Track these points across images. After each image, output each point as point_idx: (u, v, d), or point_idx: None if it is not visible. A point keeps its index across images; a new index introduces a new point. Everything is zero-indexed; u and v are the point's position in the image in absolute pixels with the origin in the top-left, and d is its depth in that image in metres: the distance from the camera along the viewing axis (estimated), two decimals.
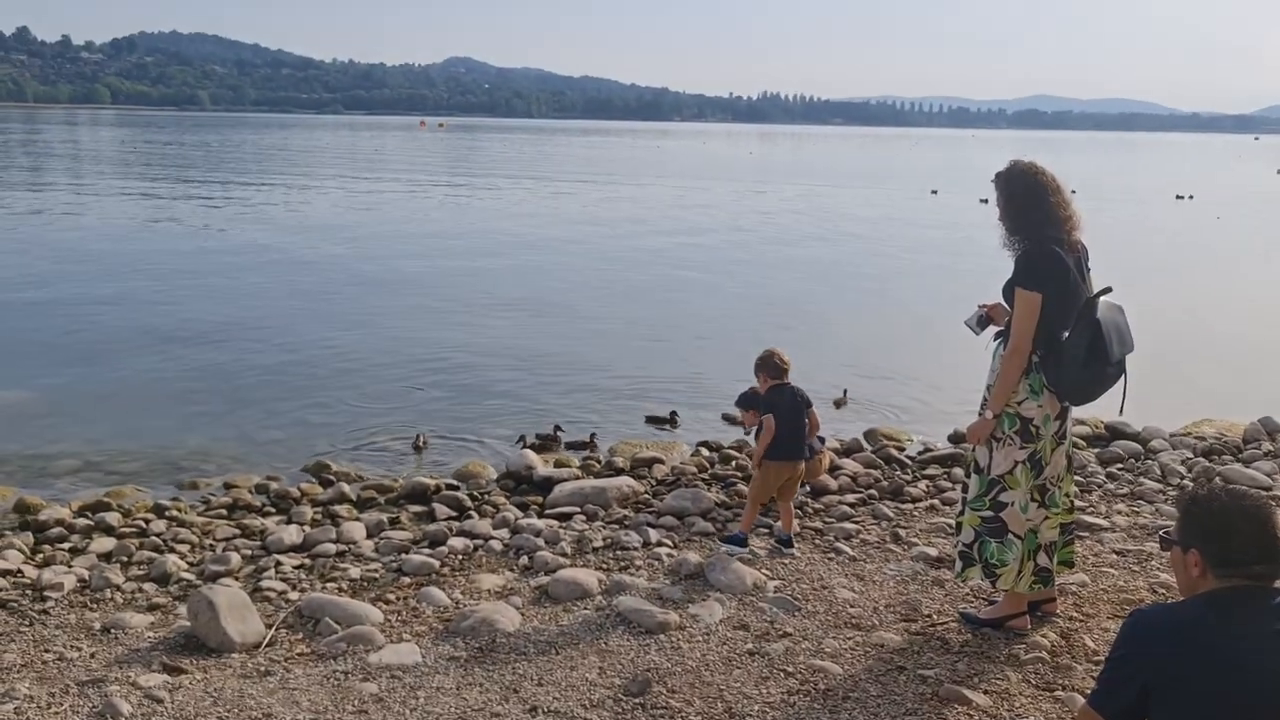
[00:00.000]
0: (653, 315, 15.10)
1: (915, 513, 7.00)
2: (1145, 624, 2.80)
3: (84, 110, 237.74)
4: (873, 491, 7.38)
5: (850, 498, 7.19)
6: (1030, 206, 4.73)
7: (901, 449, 8.64)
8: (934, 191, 42.61)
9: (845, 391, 10.48)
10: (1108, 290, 4.71)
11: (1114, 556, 6.14)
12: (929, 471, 7.94)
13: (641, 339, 13.41)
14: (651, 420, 9.67)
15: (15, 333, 12.55)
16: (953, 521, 5.35)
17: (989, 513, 4.88)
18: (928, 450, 8.58)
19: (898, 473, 7.86)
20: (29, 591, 5.57)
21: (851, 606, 5.41)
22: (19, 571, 5.85)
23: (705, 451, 8.59)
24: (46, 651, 4.85)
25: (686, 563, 5.96)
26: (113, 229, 23.18)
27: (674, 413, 9.71)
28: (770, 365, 6.25)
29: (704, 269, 19.84)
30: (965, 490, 5.08)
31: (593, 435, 9.01)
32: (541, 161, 64.47)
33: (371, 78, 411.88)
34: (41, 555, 6.18)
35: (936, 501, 7.21)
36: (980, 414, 4.92)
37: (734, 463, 8.18)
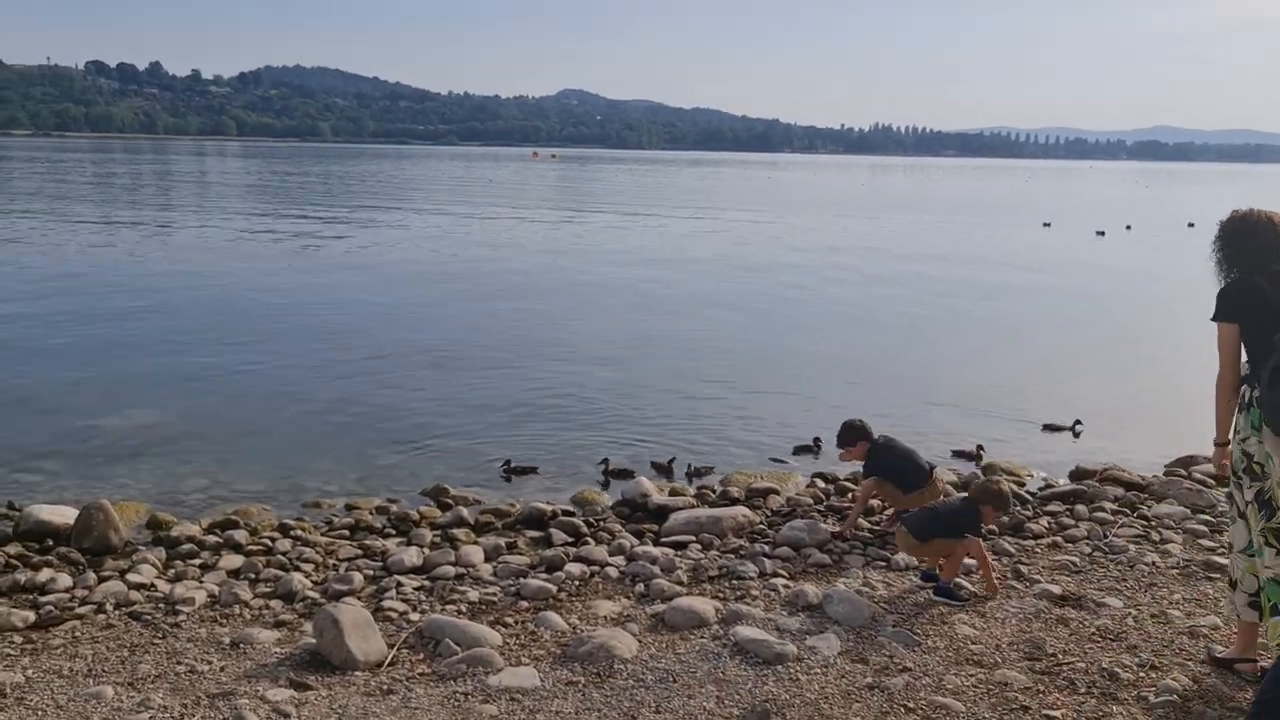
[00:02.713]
0: (780, 346, 15.01)
1: (1037, 549, 6.78)
2: None
3: (211, 142, 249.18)
4: (992, 527, 7.16)
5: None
6: (1240, 247, 4.76)
7: (1022, 484, 8.39)
8: (1047, 224, 41.47)
9: (979, 447, 9.71)
10: None
11: None
12: (1051, 508, 7.69)
13: (764, 368, 13.33)
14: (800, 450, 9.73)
15: (146, 356, 13.12)
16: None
17: None
18: (1049, 487, 8.31)
19: (1018, 509, 7.62)
20: (162, 605, 5.79)
21: (973, 643, 5.25)
22: (152, 586, 6.09)
23: (820, 483, 8.48)
24: (179, 664, 5.03)
25: (803, 594, 5.88)
26: (240, 257, 24.16)
27: (816, 438, 9.76)
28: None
29: (800, 305, 19.67)
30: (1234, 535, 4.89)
31: (671, 460, 9.10)
32: (660, 192, 64.94)
33: (486, 110, 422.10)
34: (173, 570, 6.41)
35: (1059, 539, 6.97)
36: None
37: (850, 495, 8.05)
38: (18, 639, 5.29)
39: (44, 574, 6.11)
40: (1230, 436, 4.77)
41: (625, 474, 8.74)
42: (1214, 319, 4.75)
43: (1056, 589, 5.94)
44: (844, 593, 5.83)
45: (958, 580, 5.92)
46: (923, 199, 62.84)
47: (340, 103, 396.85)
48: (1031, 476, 8.80)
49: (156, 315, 15.98)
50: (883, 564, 6.50)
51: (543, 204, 49.38)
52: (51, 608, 5.63)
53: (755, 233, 34.69)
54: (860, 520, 7.23)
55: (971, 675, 4.89)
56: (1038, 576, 6.21)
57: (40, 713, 4.47)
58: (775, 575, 6.29)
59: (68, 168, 77.86)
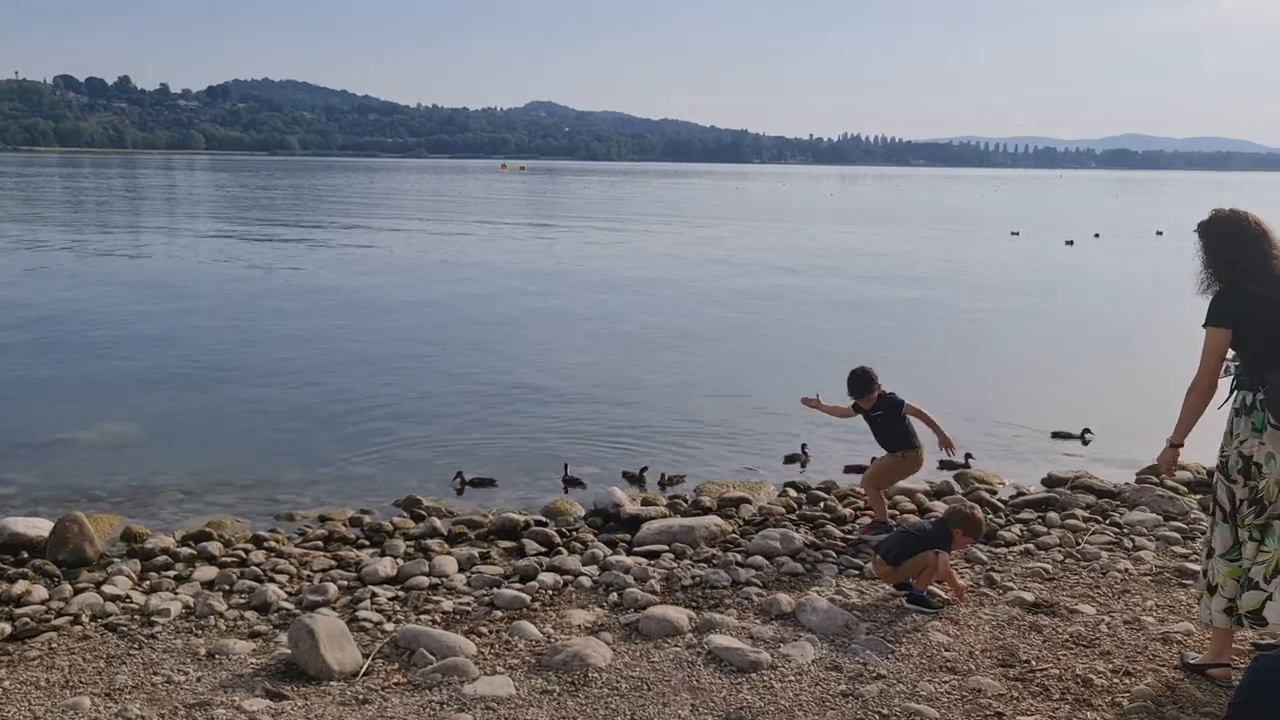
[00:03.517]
0: (740, 356, 15.10)
1: (1010, 557, 6.87)
2: (1270, 670, 2.73)
3: (180, 155, 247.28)
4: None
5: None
6: (1230, 252, 4.76)
7: (994, 492, 8.50)
8: (1015, 233, 41.91)
9: (968, 456, 9.77)
10: None
11: None
12: (1023, 515, 7.80)
13: (729, 378, 13.41)
14: (790, 460, 9.84)
15: (118, 367, 13.06)
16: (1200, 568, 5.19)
17: None
18: (1021, 494, 8.42)
19: (990, 516, 7.73)
20: (137, 616, 5.77)
21: (946, 650, 5.33)
22: (128, 597, 6.06)
23: (793, 492, 8.55)
24: (155, 674, 5.02)
25: (777, 602, 5.94)
26: (209, 269, 24.03)
27: (803, 445, 9.92)
28: None
29: (779, 312, 19.80)
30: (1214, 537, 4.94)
31: (643, 469, 9.17)
32: (628, 203, 65.07)
33: (455, 122, 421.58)
34: (148, 582, 6.39)
35: (1031, 546, 7.07)
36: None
37: (822, 504, 8.13)
38: None
39: (19, 586, 6.06)
40: (1230, 440, 4.79)
41: (486, 482, 8.89)
42: (1207, 324, 4.75)
43: (1029, 596, 6.03)
44: (817, 601, 5.89)
45: (931, 588, 5.99)
46: (892, 209, 63.32)
47: (308, 116, 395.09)
48: (1004, 484, 8.91)
49: (127, 329, 15.87)
50: (856, 572, 6.57)
51: (513, 216, 49.36)
52: (27, 620, 5.59)
53: (727, 244, 34.84)
54: (834, 529, 7.34)
55: (945, 682, 4.96)
56: (1010, 584, 6.30)
57: None
58: (749, 584, 6.34)
59: (38, 183, 77.03)
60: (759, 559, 6.76)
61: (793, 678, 5.03)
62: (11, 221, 36.68)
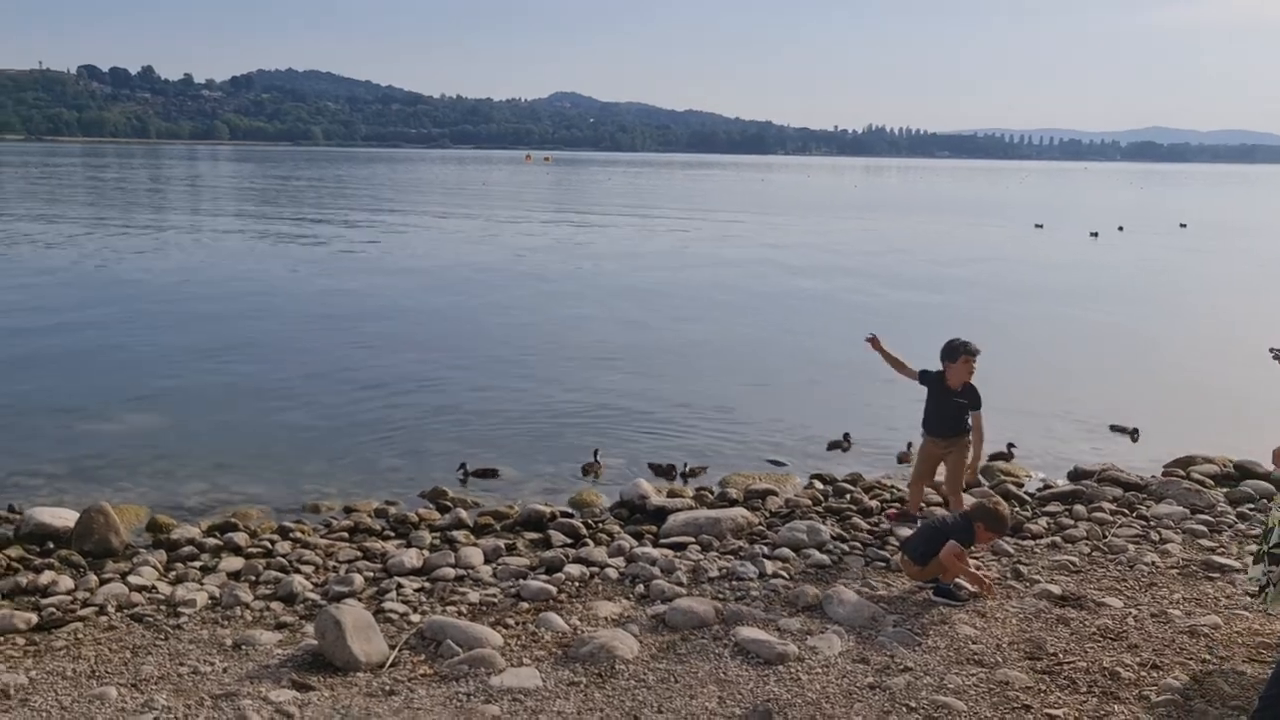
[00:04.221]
0: (760, 348, 15.05)
1: (1036, 549, 6.81)
2: None
3: (203, 145, 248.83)
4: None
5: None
6: None
7: (1020, 485, 8.42)
8: (1039, 225, 41.53)
9: (1010, 446, 9.71)
10: None
11: (1247, 599, 5.87)
12: (1049, 509, 7.72)
13: (758, 371, 13.36)
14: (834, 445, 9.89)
15: (141, 359, 13.12)
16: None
17: None
18: (1047, 487, 8.34)
19: (1016, 509, 7.65)
20: (163, 607, 5.79)
21: (973, 643, 5.28)
22: (153, 588, 6.09)
23: (819, 485, 8.50)
24: (182, 665, 5.03)
25: (803, 595, 5.90)
26: (231, 260, 24.15)
27: (846, 434, 10.00)
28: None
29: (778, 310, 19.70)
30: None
31: (669, 462, 9.11)
32: (653, 194, 64.96)
33: (479, 113, 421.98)
34: (174, 573, 6.41)
35: (1058, 539, 6.99)
36: None
37: (848, 496, 8.07)
38: (20, 641, 5.28)
39: (45, 576, 6.10)
40: None
41: (489, 473, 8.87)
42: None
43: (1056, 589, 5.98)
44: (845, 593, 5.85)
45: (957, 581, 5.94)
46: (916, 201, 62.93)
47: (332, 106, 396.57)
48: (1030, 477, 8.83)
49: (151, 321, 15.96)
50: (882, 564, 6.52)
51: (539, 207, 49.36)
52: (54, 610, 5.63)
53: (753, 236, 34.72)
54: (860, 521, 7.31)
55: (973, 675, 4.91)
56: (1037, 576, 6.24)
57: (45, 714, 4.48)
58: (775, 576, 6.30)
59: (62, 173, 77.71)
60: (786, 551, 6.72)
61: (820, 670, 5.00)
62: (37, 213, 37.01)
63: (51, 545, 6.72)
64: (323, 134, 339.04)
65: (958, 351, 6.97)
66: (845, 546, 6.87)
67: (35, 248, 25.47)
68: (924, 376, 7.20)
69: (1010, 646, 5.24)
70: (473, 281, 21.46)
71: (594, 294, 20.03)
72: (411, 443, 9.72)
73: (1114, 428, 10.57)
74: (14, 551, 6.58)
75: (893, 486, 8.34)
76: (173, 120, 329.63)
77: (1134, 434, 10.40)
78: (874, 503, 7.86)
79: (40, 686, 4.74)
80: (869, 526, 7.30)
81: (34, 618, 5.52)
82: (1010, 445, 9.45)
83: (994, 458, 9.11)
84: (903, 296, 20.32)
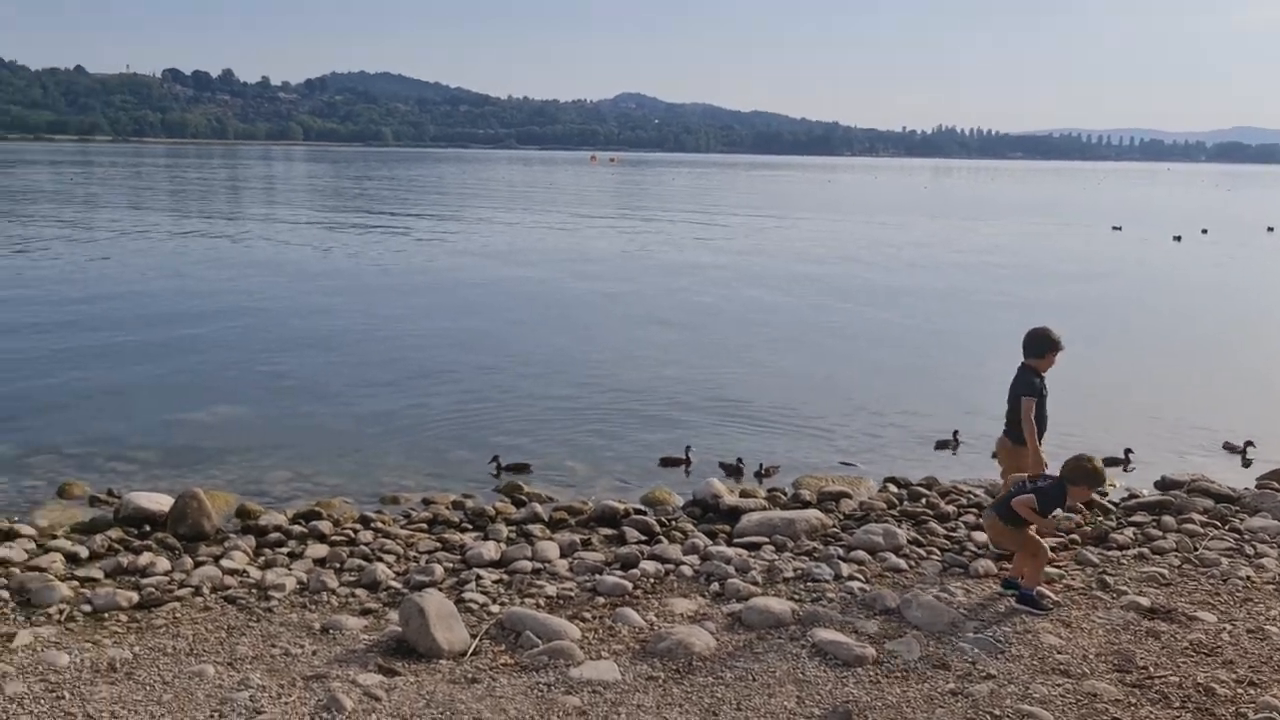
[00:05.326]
0: (836, 352, 14.96)
1: (1123, 560, 6.68)
2: None
3: (278, 146, 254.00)
4: (1075, 536, 7.09)
5: (1050, 541, 6.90)
6: None
7: (1104, 494, 8.26)
8: (1117, 228, 40.55)
9: (1128, 451, 9.59)
10: None
11: None
12: (1136, 519, 7.56)
13: (828, 373, 13.30)
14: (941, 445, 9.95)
15: (230, 354, 13.49)
16: None
17: None
18: (1133, 497, 8.18)
19: (1101, 518, 7.52)
20: (254, 590, 5.97)
21: (1059, 653, 5.21)
22: (244, 572, 6.28)
23: (893, 488, 8.44)
24: (274, 646, 5.18)
25: (881, 598, 5.88)
26: (311, 258, 24.64)
27: (955, 432, 10.02)
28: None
29: (848, 306, 19.54)
30: None
31: (739, 460, 9.14)
32: (721, 195, 64.86)
33: (545, 114, 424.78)
34: (263, 558, 6.60)
35: (1146, 550, 6.85)
36: None
37: (924, 500, 8.01)
38: (123, 618, 5.51)
39: (144, 558, 6.33)
40: None
41: (522, 468, 8.92)
42: None
43: (1145, 601, 5.86)
44: (923, 597, 5.81)
45: (1040, 589, 5.86)
46: (988, 202, 61.89)
47: (402, 108, 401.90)
48: (1114, 486, 8.66)
49: (240, 316, 16.37)
50: (960, 570, 6.47)
51: (607, 208, 49.55)
52: (153, 590, 5.84)
53: (831, 236, 34.50)
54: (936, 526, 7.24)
55: (1059, 685, 4.85)
56: (1124, 588, 6.13)
57: (149, 688, 4.65)
58: (851, 579, 6.28)
59: (150, 173, 79.95)
60: (861, 554, 6.70)
61: (899, 674, 4.98)
62: (124, 209, 38.16)
63: (148, 528, 6.97)
64: (393, 135, 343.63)
65: (1059, 345, 6.62)
66: (922, 551, 6.82)
67: (128, 246, 26.26)
68: (1037, 387, 6.59)
69: (1098, 658, 5.16)
70: (548, 279, 21.62)
71: (667, 291, 20.06)
72: (484, 437, 9.84)
73: (1228, 446, 10.03)
74: (114, 533, 6.85)
75: (969, 491, 8.25)
76: (250, 122, 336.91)
77: (1244, 453, 9.75)
78: (950, 507, 7.79)
79: (143, 661, 4.92)
80: (945, 531, 7.24)
81: (135, 596, 5.74)
82: (1128, 451, 9.35)
83: (1106, 463, 9.00)
84: (995, 292, 20.05)
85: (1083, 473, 5.75)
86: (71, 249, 24.65)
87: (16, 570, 6.14)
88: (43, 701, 4.50)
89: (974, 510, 7.71)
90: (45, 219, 32.72)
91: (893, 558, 6.63)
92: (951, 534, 7.18)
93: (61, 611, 5.56)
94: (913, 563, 6.60)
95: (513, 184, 74.36)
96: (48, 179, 60.85)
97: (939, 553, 6.80)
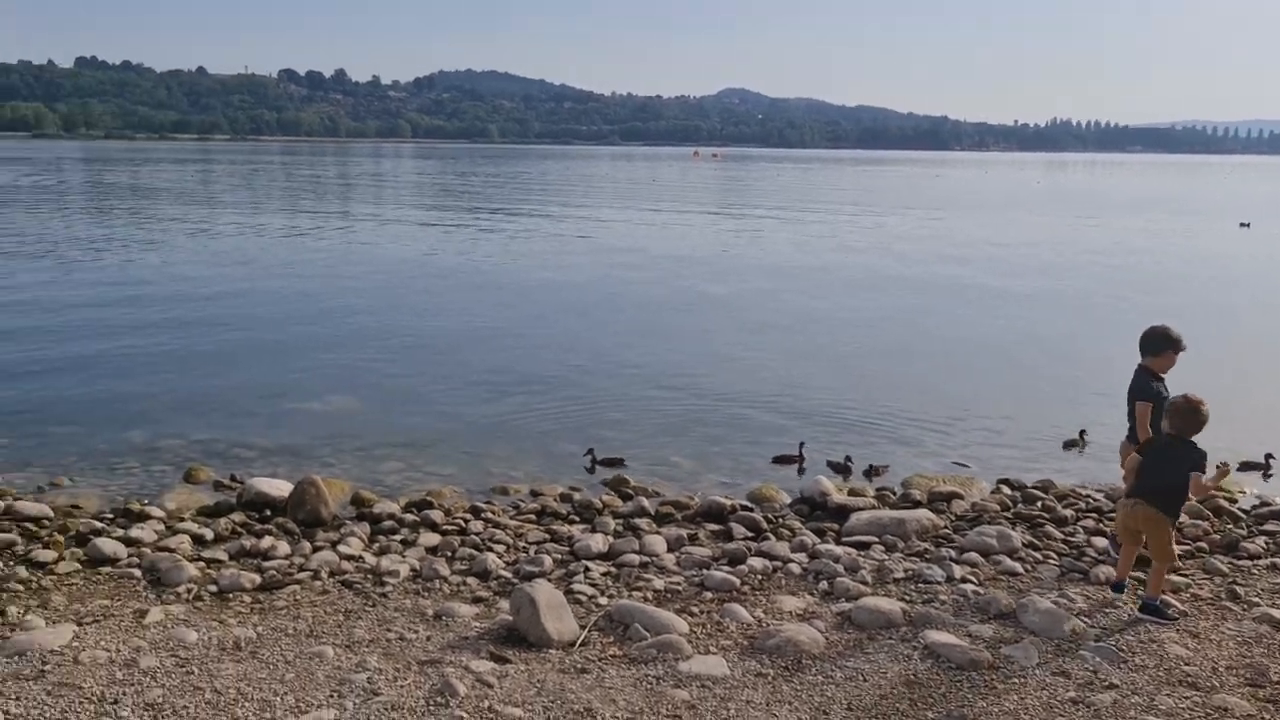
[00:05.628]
0: (960, 347, 14.66)
1: (1254, 570, 6.38)
2: None
3: (387, 143, 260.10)
4: (1202, 544, 6.81)
5: (1176, 549, 6.63)
6: None
7: (1233, 501, 7.91)
8: (1245, 224, 38.60)
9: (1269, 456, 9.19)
10: None
11: None
12: (1268, 527, 7.22)
13: (946, 370, 13.04)
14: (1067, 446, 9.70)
15: (342, 344, 13.89)
16: None
17: None
18: (1264, 504, 7.81)
19: (1230, 527, 7.21)
20: (370, 576, 6.13)
21: (1186, 665, 5.01)
22: (360, 558, 6.46)
23: (1007, 490, 8.22)
24: (389, 631, 5.31)
25: (995, 601, 5.73)
26: (430, 254, 25.17)
27: (1082, 432, 9.76)
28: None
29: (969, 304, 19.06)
30: None
31: (847, 458, 9.00)
32: (827, 190, 64.14)
33: (648, 110, 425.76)
34: (378, 545, 6.77)
35: (1278, 560, 6.53)
36: None
37: (1039, 503, 7.78)
38: (247, 599, 5.72)
39: (266, 541, 6.57)
40: None
41: (616, 462, 8.91)
42: None
43: (1279, 613, 5.59)
44: (1040, 602, 5.65)
45: (1165, 598, 5.64)
46: (1104, 198, 59.75)
47: (507, 105, 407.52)
48: (1243, 493, 8.27)
49: (353, 314, 16.80)
50: (1079, 576, 6.27)
51: (709, 205, 49.43)
52: (274, 573, 6.05)
53: (938, 234, 33.81)
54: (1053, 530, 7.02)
55: (1186, 698, 4.66)
56: (1256, 599, 5.86)
57: (272, 666, 4.82)
58: (964, 581, 6.15)
59: (267, 170, 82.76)
60: (974, 556, 6.56)
61: (1017, 680, 4.85)
62: (241, 208, 39.61)
63: (268, 513, 7.22)
64: (498, 132, 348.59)
65: (1179, 344, 6.32)
66: (1038, 555, 6.64)
67: (241, 239, 27.25)
68: (1156, 389, 6.29)
69: (1228, 671, 4.94)
70: (649, 280, 21.67)
71: (767, 293, 19.92)
72: (591, 431, 9.91)
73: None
74: (237, 517, 7.12)
75: (1088, 495, 7.98)
76: (361, 120, 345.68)
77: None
78: (1068, 511, 7.55)
79: (266, 641, 5.10)
80: (1063, 536, 7.03)
81: (257, 578, 5.96)
82: (1269, 456, 9.01)
83: (1245, 467, 8.84)
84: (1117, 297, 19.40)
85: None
86: (195, 244, 25.65)
87: (148, 550, 6.44)
88: (174, 675, 4.69)
89: (1093, 515, 7.47)
90: (168, 219, 34.13)
91: (1007, 561, 6.47)
92: (1070, 539, 6.96)
93: (190, 590, 5.81)
94: (1028, 567, 6.43)
95: (615, 180, 74.68)
96: (170, 178, 63.47)
97: (1056, 557, 6.61)
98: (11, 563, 6.21)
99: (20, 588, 5.82)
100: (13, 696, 4.46)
